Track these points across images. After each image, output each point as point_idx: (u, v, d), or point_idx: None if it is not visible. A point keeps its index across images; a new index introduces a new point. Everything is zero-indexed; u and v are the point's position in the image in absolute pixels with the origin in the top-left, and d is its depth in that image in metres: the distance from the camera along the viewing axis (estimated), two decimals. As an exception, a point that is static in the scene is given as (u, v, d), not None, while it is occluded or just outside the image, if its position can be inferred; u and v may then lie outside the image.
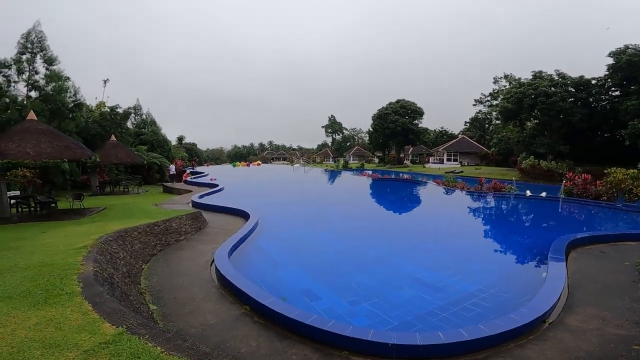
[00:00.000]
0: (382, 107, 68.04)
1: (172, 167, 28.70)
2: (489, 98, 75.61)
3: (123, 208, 15.13)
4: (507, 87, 73.13)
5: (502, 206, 19.88)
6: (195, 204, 16.89)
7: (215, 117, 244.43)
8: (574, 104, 39.49)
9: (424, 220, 16.46)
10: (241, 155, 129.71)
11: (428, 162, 65.04)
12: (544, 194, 21.74)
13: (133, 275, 7.44)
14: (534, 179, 36.57)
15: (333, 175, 47.61)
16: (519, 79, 49.15)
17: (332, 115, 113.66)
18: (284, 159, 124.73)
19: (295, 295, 6.69)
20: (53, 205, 12.71)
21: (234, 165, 66.22)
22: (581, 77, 41.10)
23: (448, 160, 60.59)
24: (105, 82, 31.26)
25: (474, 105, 77.61)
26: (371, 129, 72.09)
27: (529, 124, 46.25)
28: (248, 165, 68.60)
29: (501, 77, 74.41)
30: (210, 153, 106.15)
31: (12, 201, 13.28)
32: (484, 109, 76.87)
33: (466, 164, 58.10)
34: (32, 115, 12.86)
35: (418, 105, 66.19)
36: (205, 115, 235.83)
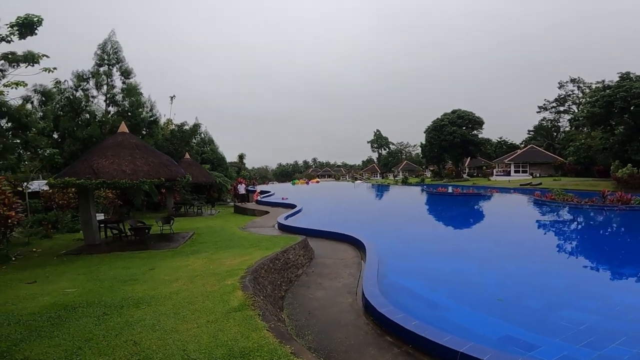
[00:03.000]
0: (437, 119, 64.50)
1: (242, 187, 27.29)
2: (554, 104, 69.77)
3: (211, 233, 13.51)
4: (574, 91, 67.72)
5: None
6: (284, 227, 14.85)
7: (253, 137, 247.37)
8: (673, 105, 34.32)
9: (581, 240, 13.91)
10: (287, 173, 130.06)
11: (492, 174, 60.03)
12: (690, 206, 17.99)
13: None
14: (632, 189, 31.79)
15: (400, 191, 44.77)
16: (603, 81, 43.99)
17: (378, 130, 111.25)
18: (329, 176, 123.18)
19: (496, 346, 5.15)
20: (147, 231, 11.06)
21: (294, 183, 65.55)
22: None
23: (516, 171, 55.40)
24: (172, 98, 30.80)
25: (537, 112, 71.93)
26: (424, 142, 68.73)
27: (619, 129, 41.00)
28: (307, 183, 67.48)
29: (567, 82, 68.70)
30: (256, 172, 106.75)
31: (101, 225, 11.84)
32: (550, 116, 70.86)
33: (538, 175, 52.77)
34: (123, 127, 11.43)
35: (477, 115, 61.93)
36: (242, 135, 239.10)
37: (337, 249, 11.79)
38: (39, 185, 16.22)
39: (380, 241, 12.70)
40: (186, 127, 26.38)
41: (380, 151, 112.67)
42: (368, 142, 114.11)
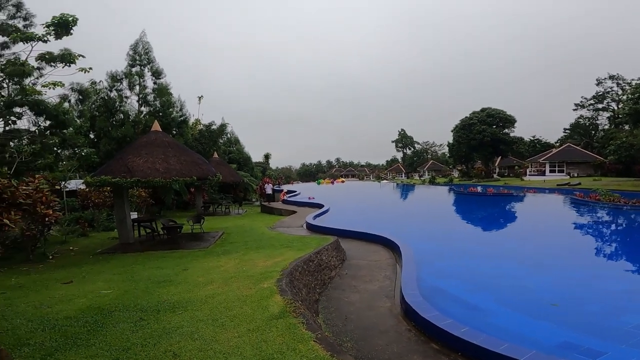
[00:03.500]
0: (465, 117, 62.64)
1: (269, 187, 27.25)
2: (592, 101, 66.06)
3: (241, 232, 13.40)
4: (613, 88, 63.82)
5: None
6: (312, 227, 14.53)
7: (276, 137, 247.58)
8: None
9: (633, 243, 12.85)
10: (310, 173, 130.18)
11: (525, 174, 57.52)
12: None
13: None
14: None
15: (428, 191, 43.68)
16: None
17: (402, 129, 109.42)
18: (353, 176, 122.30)
19: (557, 353, 4.90)
20: (179, 230, 11.04)
21: (319, 183, 65.41)
22: None
23: (551, 171, 52.76)
24: (199, 99, 31.14)
25: (574, 109, 68.25)
26: (451, 141, 66.95)
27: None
28: (332, 182, 67.25)
29: (605, 78, 64.83)
30: (280, 172, 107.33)
31: (134, 224, 11.95)
32: (587, 114, 67.18)
33: (575, 175, 50.05)
34: (156, 125, 11.48)
35: (508, 113, 59.56)
36: (266, 135, 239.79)
37: (369, 250, 11.39)
38: (76, 184, 16.71)
39: (414, 242, 12.20)
40: (214, 127, 26.59)
41: (405, 151, 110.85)
42: (392, 141, 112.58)
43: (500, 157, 67.08)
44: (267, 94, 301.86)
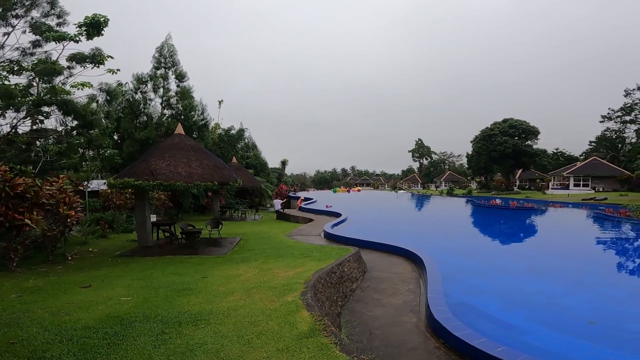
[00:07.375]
0: (486, 128, 61.36)
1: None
2: (619, 113, 63.80)
3: (258, 239, 13.19)
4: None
5: None
6: (331, 236, 14.17)
7: (289, 144, 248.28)
8: None
9: None
10: (325, 181, 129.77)
11: (547, 187, 55.79)
12: None
13: None
14: None
15: (447, 203, 42.84)
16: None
17: (420, 139, 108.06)
18: (368, 185, 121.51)
19: None
20: (197, 235, 10.88)
21: (335, 191, 65.49)
22: None
23: (576, 185, 51.00)
24: (220, 103, 31.40)
25: (601, 122, 65.96)
26: (469, 152, 65.69)
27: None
28: (348, 191, 67.40)
29: (634, 89, 62.52)
30: (294, 178, 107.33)
31: (153, 227, 11.87)
32: (614, 126, 64.87)
33: (601, 190, 48.23)
34: (180, 129, 11.44)
35: (531, 124, 58.05)
36: (279, 142, 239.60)
37: (390, 262, 11.03)
38: (98, 184, 16.86)
39: (436, 256, 11.75)
40: (232, 132, 26.69)
41: (421, 161, 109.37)
42: (409, 151, 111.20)
43: (521, 170, 65.42)
44: (284, 101, 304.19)
